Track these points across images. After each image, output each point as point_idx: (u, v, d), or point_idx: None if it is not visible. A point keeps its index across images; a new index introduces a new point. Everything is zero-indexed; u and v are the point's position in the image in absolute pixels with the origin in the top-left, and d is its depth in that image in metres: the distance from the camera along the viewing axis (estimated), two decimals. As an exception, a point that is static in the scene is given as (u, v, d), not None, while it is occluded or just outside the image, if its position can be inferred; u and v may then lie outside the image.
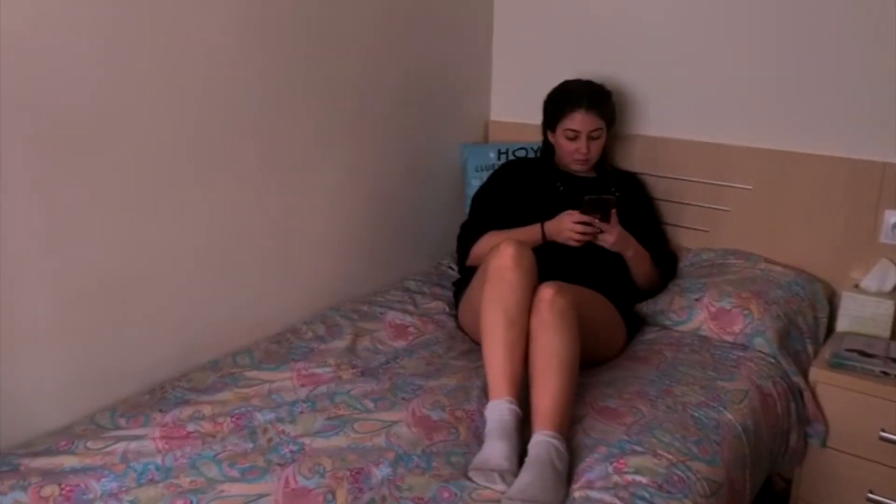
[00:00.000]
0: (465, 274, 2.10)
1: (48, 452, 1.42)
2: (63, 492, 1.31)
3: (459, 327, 2.06)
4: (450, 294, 2.24)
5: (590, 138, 2.07)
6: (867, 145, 1.99)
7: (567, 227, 1.93)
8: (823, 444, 1.84)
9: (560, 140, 2.11)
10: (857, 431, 1.79)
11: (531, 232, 1.99)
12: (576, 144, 2.07)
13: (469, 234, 2.13)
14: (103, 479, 1.35)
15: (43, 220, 1.48)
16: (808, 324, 1.99)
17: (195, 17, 1.67)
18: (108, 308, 1.62)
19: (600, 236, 1.94)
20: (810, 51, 2.02)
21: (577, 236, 1.92)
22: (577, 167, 2.13)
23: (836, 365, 1.82)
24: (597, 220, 1.92)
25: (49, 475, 1.35)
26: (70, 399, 1.58)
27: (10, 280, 1.44)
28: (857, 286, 1.99)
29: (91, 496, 1.31)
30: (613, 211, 1.93)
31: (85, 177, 1.53)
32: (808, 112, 2.06)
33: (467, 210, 2.28)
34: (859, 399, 1.77)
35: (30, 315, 1.49)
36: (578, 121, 2.05)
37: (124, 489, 1.33)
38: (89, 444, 1.45)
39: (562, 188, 2.14)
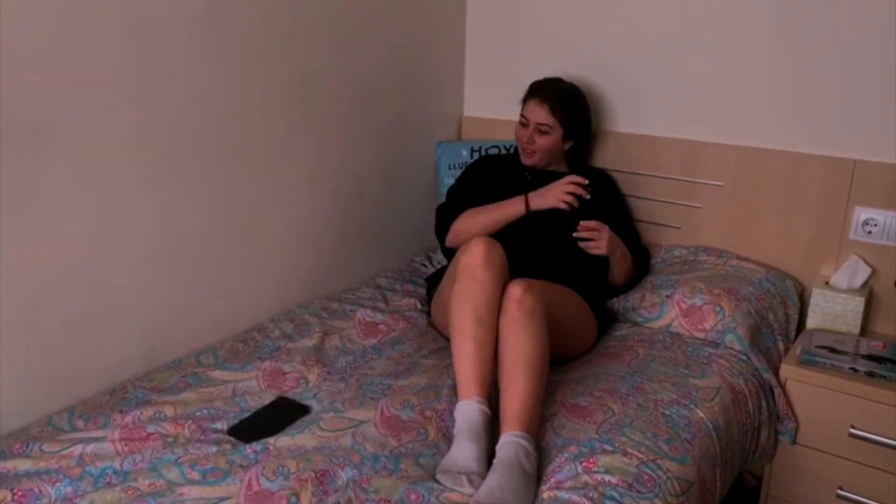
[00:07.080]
0: (439, 267, 2.07)
1: (0, 456, 1.38)
2: (15, 497, 1.27)
3: (432, 324, 2.03)
4: (422, 291, 2.22)
5: (537, 131, 2.06)
6: (838, 143, 1.99)
7: (560, 188, 1.92)
8: (794, 441, 1.85)
9: (518, 126, 2.12)
10: (828, 428, 1.80)
11: (513, 205, 1.97)
12: (523, 131, 2.08)
13: (447, 213, 2.10)
14: (58, 484, 1.30)
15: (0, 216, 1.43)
16: (778, 320, 1.99)
17: (157, 9, 1.62)
18: (68, 306, 1.57)
19: (592, 245, 1.92)
20: (782, 49, 2.02)
21: (569, 197, 1.92)
22: (524, 158, 2.13)
23: (806, 362, 1.82)
24: (585, 193, 1.93)
25: (0, 480, 1.31)
26: (26, 400, 1.52)
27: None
28: (827, 283, 1.99)
29: (45, 501, 1.27)
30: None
31: (45, 172, 1.48)
32: (779, 109, 2.06)
33: (440, 207, 2.26)
34: (829, 396, 1.78)
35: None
36: (529, 109, 2.08)
37: (80, 493, 1.29)
38: (45, 446, 1.40)
39: (530, 177, 2.12)
